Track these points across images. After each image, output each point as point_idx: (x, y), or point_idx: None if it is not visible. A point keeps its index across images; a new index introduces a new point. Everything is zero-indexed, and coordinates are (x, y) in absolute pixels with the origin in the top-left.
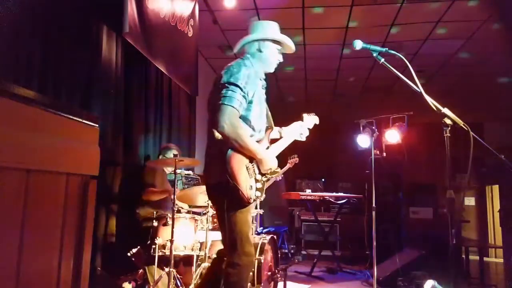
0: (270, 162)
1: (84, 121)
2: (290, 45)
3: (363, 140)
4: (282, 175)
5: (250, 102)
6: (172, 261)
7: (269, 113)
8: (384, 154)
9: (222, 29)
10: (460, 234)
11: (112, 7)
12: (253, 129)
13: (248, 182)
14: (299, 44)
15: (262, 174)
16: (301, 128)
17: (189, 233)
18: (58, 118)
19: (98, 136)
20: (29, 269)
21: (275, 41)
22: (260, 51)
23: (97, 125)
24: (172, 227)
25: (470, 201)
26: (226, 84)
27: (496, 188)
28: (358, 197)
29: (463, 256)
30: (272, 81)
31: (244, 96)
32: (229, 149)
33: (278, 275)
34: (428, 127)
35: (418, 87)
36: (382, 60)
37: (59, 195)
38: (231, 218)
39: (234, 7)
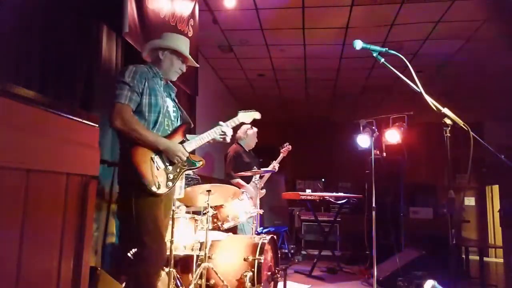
0: (175, 151)
1: (84, 121)
2: (191, 60)
3: (363, 140)
4: (278, 165)
5: (141, 95)
6: (172, 261)
7: (184, 112)
8: (384, 154)
9: (222, 29)
10: (460, 234)
11: (112, 7)
12: (148, 122)
13: (153, 173)
14: (299, 44)
15: (174, 166)
16: (224, 127)
17: (189, 233)
18: (58, 118)
19: (98, 136)
20: (29, 269)
21: (176, 53)
22: (159, 58)
23: (97, 125)
24: (172, 227)
25: (470, 201)
26: (116, 83)
27: (496, 188)
28: (358, 197)
29: (463, 256)
30: (273, 81)
31: (133, 90)
32: (132, 144)
33: (278, 275)
34: (428, 127)
35: (418, 87)
36: (382, 60)
37: (59, 195)
38: (139, 211)
39: (234, 7)
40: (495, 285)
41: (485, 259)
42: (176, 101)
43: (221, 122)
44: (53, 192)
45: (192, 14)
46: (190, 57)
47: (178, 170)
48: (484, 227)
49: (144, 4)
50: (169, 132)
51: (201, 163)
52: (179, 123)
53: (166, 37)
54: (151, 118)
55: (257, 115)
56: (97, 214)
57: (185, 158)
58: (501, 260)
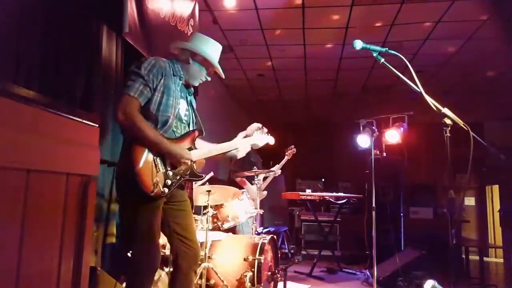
0: (179, 155)
1: (84, 121)
2: (220, 72)
3: (363, 140)
4: (281, 171)
5: (154, 91)
6: None
7: (198, 118)
8: (384, 154)
9: (222, 29)
10: (460, 234)
11: (112, 7)
12: (156, 120)
13: (153, 176)
14: (299, 44)
15: (175, 172)
16: (243, 142)
17: None
18: (58, 118)
19: (98, 136)
20: (29, 269)
21: (207, 61)
22: (187, 62)
23: (97, 125)
24: None
25: (470, 201)
26: (129, 73)
27: (496, 188)
28: (358, 197)
29: (463, 256)
30: (273, 81)
31: (146, 85)
32: (135, 141)
33: (278, 275)
34: (428, 127)
35: (418, 87)
36: (382, 60)
37: (59, 195)
38: (132, 211)
39: (234, 7)
40: (495, 285)
41: (485, 259)
42: (193, 104)
43: (238, 139)
44: (53, 192)
45: (192, 14)
46: (220, 68)
47: (178, 178)
48: (484, 227)
49: (144, 4)
50: (177, 136)
51: (204, 176)
52: (191, 128)
53: (199, 40)
54: (158, 117)
55: (271, 140)
56: (97, 214)
57: (188, 165)
58: (501, 260)
